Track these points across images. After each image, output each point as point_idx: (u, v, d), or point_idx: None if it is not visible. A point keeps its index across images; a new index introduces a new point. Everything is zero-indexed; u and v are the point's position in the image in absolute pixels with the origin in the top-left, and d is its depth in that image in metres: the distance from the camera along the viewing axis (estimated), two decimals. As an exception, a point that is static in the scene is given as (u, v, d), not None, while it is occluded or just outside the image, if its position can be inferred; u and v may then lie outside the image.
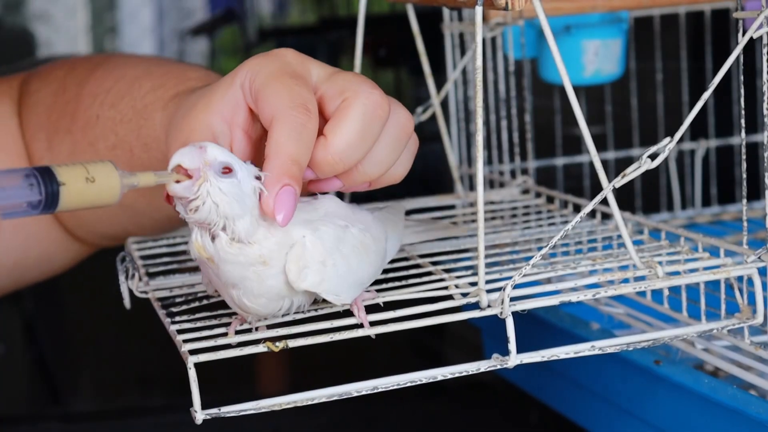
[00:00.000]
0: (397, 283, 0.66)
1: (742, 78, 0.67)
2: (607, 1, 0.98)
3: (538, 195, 0.89)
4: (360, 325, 0.60)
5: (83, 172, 0.56)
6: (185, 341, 0.59)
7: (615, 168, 1.07)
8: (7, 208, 0.55)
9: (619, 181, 0.63)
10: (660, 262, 0.66)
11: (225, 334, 0.61)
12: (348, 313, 0.61)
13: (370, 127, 0.60)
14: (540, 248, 0.63)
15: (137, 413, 1.59)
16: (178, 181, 0.57)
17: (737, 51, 0.63)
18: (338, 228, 0.61)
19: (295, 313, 0.62)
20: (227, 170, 0.57)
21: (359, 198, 0.88)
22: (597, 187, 0.64)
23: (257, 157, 0.62)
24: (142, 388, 1.69)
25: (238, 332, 0.61)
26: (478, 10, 0.60)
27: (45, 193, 0.55)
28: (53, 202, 0.55)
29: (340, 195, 0.85)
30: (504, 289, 0.60)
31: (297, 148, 0.58)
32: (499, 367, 0.61)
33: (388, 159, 0.62)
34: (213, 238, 0.58)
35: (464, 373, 0.60)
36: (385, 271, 0.69)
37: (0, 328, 1.85)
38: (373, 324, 0.60)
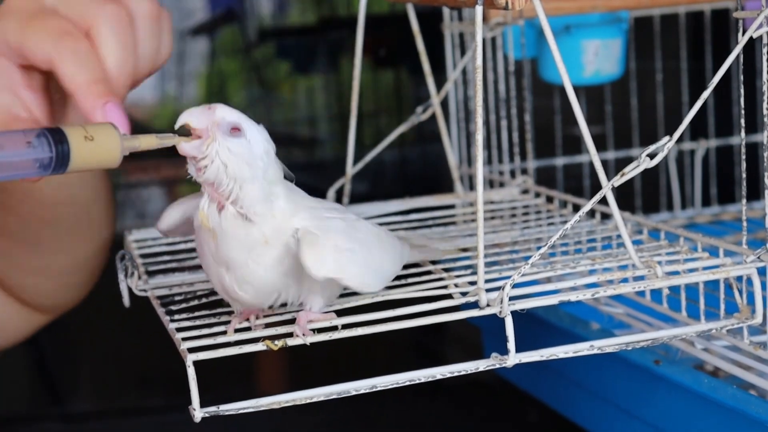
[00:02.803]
0: (396, 282, 0.66)
1: (741, 78, 0.67)
2: (607, 1, 0.98)
3: (537, 195, 0.89)
4: (361, 324, 0.60)
5: (81, 132, 0.56)
6: (184, 339, 0.59)
7: (615, 168, 1.07)
8: (18, 167, 0.55)
9: (618, 180, 0.63)
10: (659, 262, 0.66)
11: (224, 333, 0.61)
12: (347, 312, 0.61)
13: (123, 32, 0.61)
14: (539, 248, 0.63)
15: (137, 413, 1.59)
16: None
17: (737, 50, 0.63)
18: (347, 218, 0.61)
19: (287, 309, 0.62)
20: (236, 130, 0.57)
21: (359, 197, 0.88)
22: (597, 187, 0.64)
23: (59, 106, 0.64)
24: (141, 387, 1.69)
25: (237, 331, 0.61)
26: (479, 9, 0.60)
27: (56, 152, 0.55)
28: (64, 162, 0.56)
29: (339, 196, 0.86)
30: (503, 289, 0.60)
31: (88, 72, 0.59)
32: (497, 366, 0.61)
33: (152, 52, 0.63)
34: (220, 210, 0.58)
35: (463, 372, 0.60)
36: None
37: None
38: (372, 323, 0.60)
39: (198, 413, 0.56)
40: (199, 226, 0.59)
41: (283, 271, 0.59)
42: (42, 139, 0.55)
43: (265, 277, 0.59)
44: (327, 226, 0.59)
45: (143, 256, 0.76)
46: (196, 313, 0.64)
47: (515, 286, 0.61)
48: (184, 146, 0.57)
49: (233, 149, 0.57)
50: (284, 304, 0.61)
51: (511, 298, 0.61)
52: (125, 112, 0.59)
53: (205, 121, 0.57)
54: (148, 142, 0.58)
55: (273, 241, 0.58)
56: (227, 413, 0.56)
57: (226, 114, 0.57)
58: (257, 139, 0.58)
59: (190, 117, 0.57)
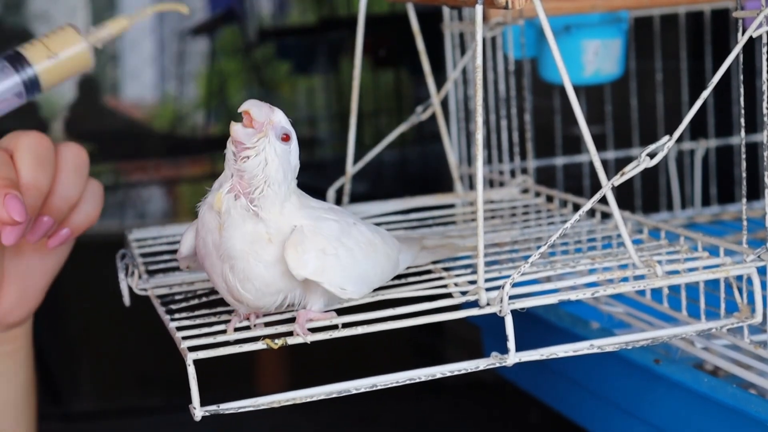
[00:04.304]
0: (396, 281, 0.66)
1: (741, 77, 0.67)
2: (607, 1, 0.98)
3: (537, 194, 0.89)
4: (361, 323, 0.60)
5: (44, 51, 0.56)
6: (184, 338, 0.59)
7: (615, 168, 1.07)
8: None
9: (618, 179, 0.63)
10: (659, 261, 0.66)
11: (224, 332, 0.61)
12: (347, 310, 0.61)
13: (40, 154, 0.68)
14: (539, 247, 0.63)
15: (137, 413, 1.59)
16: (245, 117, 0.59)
17: (737, 50, 0.64)
18: (344, 222, 0.62)
19: (290, 308, 0.62)
20: (286, 137, 0.59)
21: (359, 197, 0.88)
22: (597, 187, 0.64)
23: None
24: (141, 387, 1.69)
25: (237, 329, 0.61)
26: (479, 8, 0.60)
27: (22, 80, 0.56)
28: (35, 86, 0.56)
29: (339, 196, 0.86)
30: (503, 287, 0.60)
31: (1, 173, 0.66)
32: (497, 365, 0.61)
33: (73, 190, 0.70)
34: (236, 199, 0.59)
35: (463, 371, 0.60)
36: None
37: None
38: (372, 321, 0.60)
39: (198, 412, 0.56)
40: (205, 213, 0.60)
41: (284, 270, 0.59)
42: (6, 70, 0.55)
43: (266, 274, 0.59)
44: (320, 227, 0.60)
45: (143, 255, 0.76)
46: (196, 312, 0.64)
47: (515, 285, 0.61)
48: (239, 130, 0.59)
49: (278, 152, 0.59)
50: (290, 304, 0.61)
51: (511, 297, 0.61)
52: (24, 206, 0.64)
53: (264, 116, 0.59)
54: (119, 25, 0.57)
55: (275, 239, 0.59)
56: (227, 412, 0.56)
57: (282, 119, 0.59)
58: (296, 152, 0.60)
59: (252, 107, 0.59)
